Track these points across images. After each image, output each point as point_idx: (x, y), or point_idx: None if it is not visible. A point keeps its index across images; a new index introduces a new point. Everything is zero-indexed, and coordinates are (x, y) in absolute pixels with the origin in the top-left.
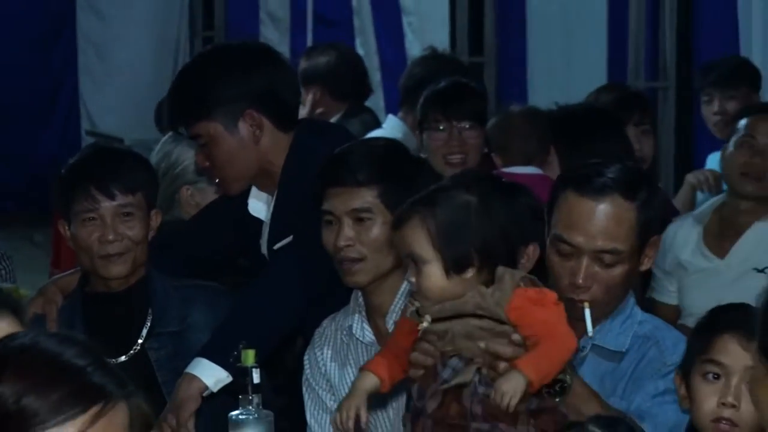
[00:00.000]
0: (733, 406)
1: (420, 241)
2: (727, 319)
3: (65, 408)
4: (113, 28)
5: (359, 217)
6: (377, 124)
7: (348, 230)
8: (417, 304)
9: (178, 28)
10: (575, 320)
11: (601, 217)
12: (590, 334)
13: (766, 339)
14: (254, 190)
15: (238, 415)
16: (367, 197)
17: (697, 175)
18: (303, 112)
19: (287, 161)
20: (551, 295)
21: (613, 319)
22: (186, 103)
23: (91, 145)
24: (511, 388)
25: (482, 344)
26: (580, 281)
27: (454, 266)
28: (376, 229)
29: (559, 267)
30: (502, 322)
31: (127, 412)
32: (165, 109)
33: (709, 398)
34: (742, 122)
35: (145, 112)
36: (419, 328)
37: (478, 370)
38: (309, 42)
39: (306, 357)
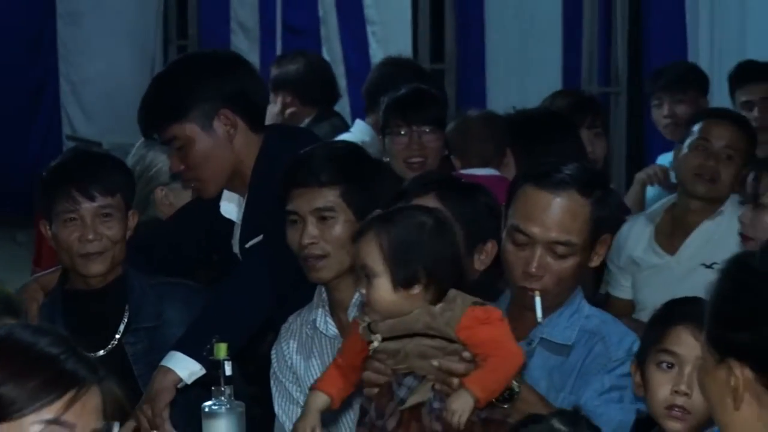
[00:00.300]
0: (686, 394)
1: (372, 254)
2: (681, 311)
3: (41, 395)
4: (92, 39)
5: (322, 216)
6: (346, 128)
7: (312, 229)
8: (367, 319)
9: (154, 38)
10: (526, 309)
11: (557, 210)
12: (539, 320)
13: (714, 330)
14: (226, 192)
15: (210, 405)
16: (329, 197)
17: (647, 170)
18: (275, 115)
19: (257, 163)
20: (496, 313)
21: (561, 313)
22: (161, 107)
23: (72, 149)
24: (460, 407)
25: (436, 362)
26: (533, 270)
27: (401, 281)
28: (339, 227)
29: (514, 256)
30: (452, 341)
31: (100, 396)
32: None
33: (663, 386)
34: (697, 126)
35: (122, 118)
36: (370, 348)
37: (433, 386)
38: (278, 50)
39: (273, 351)
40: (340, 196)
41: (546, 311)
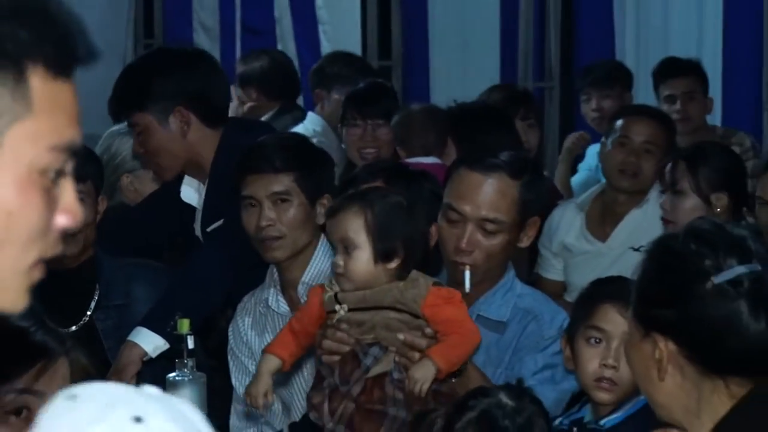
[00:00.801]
0: (613, 367)
1: (356, 227)
2: (607, 290)
3: (14, 366)
4: None
5: (280, 200)
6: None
7: (269, 212)
8: (336, 288)
9: (125, 37)
10: (459, 284)
11: (487, 190)
12: (467, 291)
13: (639, 307)
14: (186, 177)
15: (174, 376)
16: (285, 182)
17: (570, 139)
18: (240, 109)
19: (217, 154)
20: (458, 294)
21: (495, 292)
22: (124, 95)
23: None
24: (423, 376)
25: (401, 336)
26: (464, 245)
27: (382, 255)
28: (294, 210)
29: (447, 233)
30: (417, 317)
31: (68, 365)
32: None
33: (592, 360)
34: (618, 123)
35: (95, 110)
36: (335, 317)
37: (394, 359)
38: (237, 49)
39: (230, 329)
40: (294, 181)
41: (478, 286)
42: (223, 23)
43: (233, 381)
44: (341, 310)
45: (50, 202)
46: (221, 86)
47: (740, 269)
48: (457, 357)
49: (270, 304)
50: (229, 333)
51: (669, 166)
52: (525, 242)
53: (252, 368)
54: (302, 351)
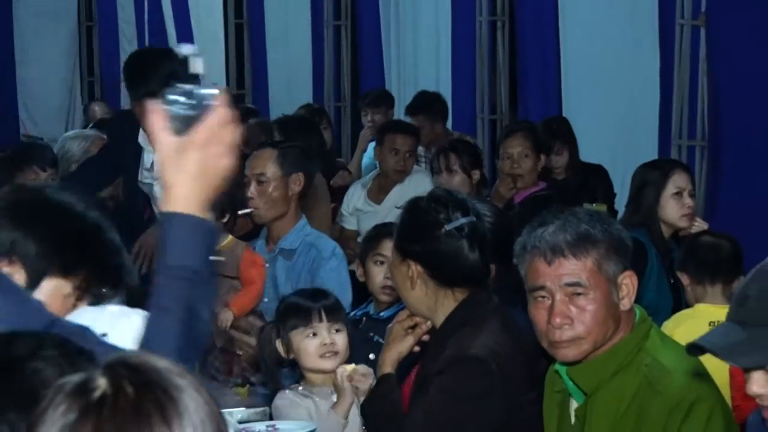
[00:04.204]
0: None
1: None
2: (386, 230)
3: None
4: (36, 76)
5: None
6: None
7: None
8: None
9: (72, 73)
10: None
11: (257, 158)
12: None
13: (399, 242)
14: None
15: None
16: None
17: (363, 132)
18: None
19: None
20: (260, 259)
21: (292, 232)
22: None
23: (21, 142)
24: (223, 319)
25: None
26: (249, 194)
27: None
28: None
29: (249, 192)
30: (233, 278)
31: None
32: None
33: (378, 275)
34: (386, 137)
35: (55, 122)
36: None
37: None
38: None
39: None
40: None
41: (281, 230)
42: None
43: None
44: None
45: None
46: None
47: (463, 220)
48: (246, 306)
49: None
50: None
51: (441, 156)
52: (295, 190)
53: None
54: None
